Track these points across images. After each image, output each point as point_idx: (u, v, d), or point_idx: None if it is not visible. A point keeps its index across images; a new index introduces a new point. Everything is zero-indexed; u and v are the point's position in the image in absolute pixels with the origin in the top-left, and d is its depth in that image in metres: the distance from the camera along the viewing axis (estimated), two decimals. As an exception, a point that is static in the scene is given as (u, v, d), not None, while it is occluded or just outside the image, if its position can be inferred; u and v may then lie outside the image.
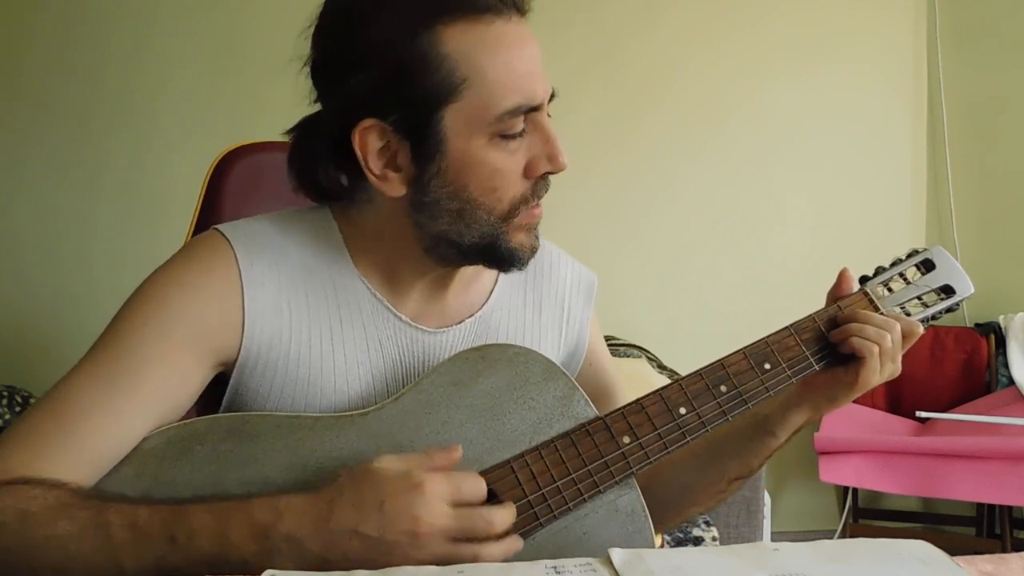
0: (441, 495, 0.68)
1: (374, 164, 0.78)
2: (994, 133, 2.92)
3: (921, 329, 0.87)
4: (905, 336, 0.86)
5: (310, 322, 0.81)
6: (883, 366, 0.84)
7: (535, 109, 0.78)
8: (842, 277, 0.91)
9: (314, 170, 0.82)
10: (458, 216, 0.79)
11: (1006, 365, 2.70)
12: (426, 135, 0.76)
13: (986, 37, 2.94)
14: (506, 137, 0.77)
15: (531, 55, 0.78)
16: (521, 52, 0.77)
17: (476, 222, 0.79)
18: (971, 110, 2.95)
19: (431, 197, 0.78)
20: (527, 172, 0.79)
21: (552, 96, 0.81)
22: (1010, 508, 2.42)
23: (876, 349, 0.83)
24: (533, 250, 0.83)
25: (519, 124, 0.77)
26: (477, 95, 0.75)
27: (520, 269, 0.84)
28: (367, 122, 0.77)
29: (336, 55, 0.78)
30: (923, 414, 2.56)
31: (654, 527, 0.80)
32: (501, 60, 0.76)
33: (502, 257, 0.82)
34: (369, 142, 0.77)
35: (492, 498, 0.75)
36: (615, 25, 2.83)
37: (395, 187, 0.79)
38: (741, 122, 2.90)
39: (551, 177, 0.81)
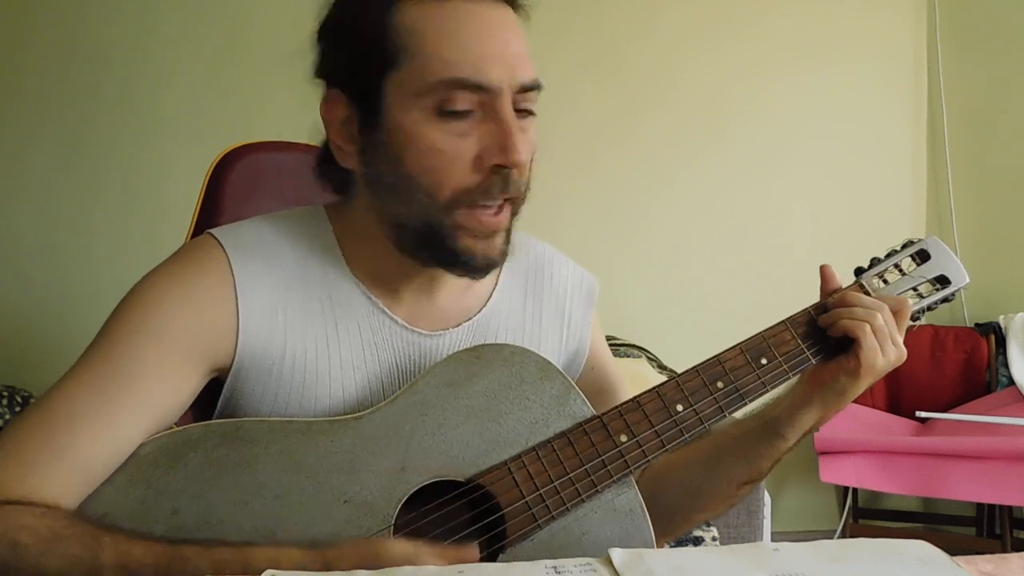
0: None
1: (335, 135, 0.81)
2: (994, 133, 2.92)
3: (910, 302, 0.87)
4: (896, 313, 0.85)
5: (305, 326, 0.80)
6: (883, 348, 0.83)
7: (483, 89, 0.74)
8: (824, 274, 0.91)
9: (323, 161, 0.85)
10: (397, 194, 0.78)
11: (1006, 365, 2.70)
12: (370, 105, 0.77)
13: (986, 37, 2.94)
14: (445, 114, 0.74)
15: (494, 37, 0.75)
16: (479, 30, 0.75)
17: (415, 203, 0.76)
18: (971, 110, 2.95)
19: (373, 171, 0.79)
20: (477, 162, 0.75)
21: (533, 88, 0.77)
22: (1010, 508, 2.41)
23: (867, 327, 0.82)
24: (488, 259, 0.79)
25: (460, 101, 0.74)
26: (415, 65, 0.74)
27: (474, 277, 0.81)
28: (331, 93, 0.80)
29: (319, 31, 0.82)
30: (923, 414, 2.55)
31: (662, 534, 0.79)
32: (449, 34, 0.74)
33: (445, 256, 0.78)
34: (333, 113, 0.80)
35: (491, 500, 0.75)
36: (615, 25, 2.83)
37: (349, 159, 0.81)
38: (741, 122, 2.89)
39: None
